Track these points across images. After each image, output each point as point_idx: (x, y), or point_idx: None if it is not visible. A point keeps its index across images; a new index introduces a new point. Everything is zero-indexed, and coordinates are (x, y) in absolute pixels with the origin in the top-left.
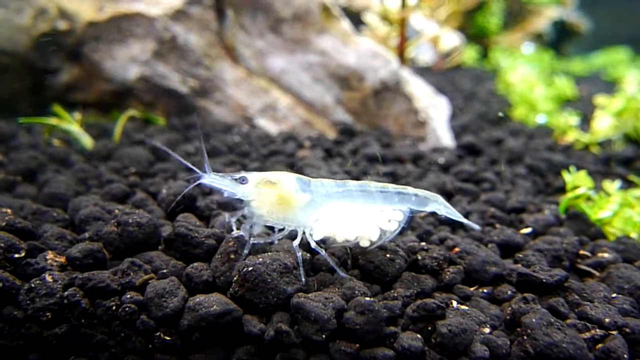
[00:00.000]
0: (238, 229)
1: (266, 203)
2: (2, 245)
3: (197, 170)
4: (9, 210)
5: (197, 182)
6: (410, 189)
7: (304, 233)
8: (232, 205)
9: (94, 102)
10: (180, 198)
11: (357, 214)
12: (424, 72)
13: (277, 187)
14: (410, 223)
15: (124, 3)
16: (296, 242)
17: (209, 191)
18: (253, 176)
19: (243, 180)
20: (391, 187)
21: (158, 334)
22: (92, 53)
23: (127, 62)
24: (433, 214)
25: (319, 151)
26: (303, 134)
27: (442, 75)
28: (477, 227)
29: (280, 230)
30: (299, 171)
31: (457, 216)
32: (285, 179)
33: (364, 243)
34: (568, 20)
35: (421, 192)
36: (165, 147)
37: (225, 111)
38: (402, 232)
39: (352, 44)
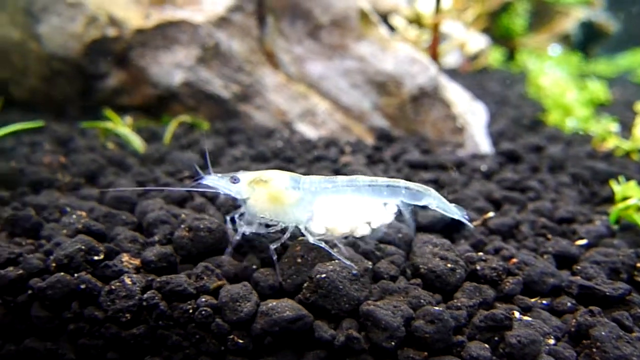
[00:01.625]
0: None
1: (259, 201)
2: (83, 247)
3: (200, 172)
4: (83, 213)
5: (197, 182)
6: (401, 182)
7: (298, 228)
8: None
9: (138, 106)
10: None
11: (348, 207)
12: (450, 75)
13: (268, 186)
14: (462, 232)
15: (169, 10)
16: (274, 245)
17: None
18: (245, 175)
19: (235, 180)
20: (380, 180)
21: (231, 336)
22: (138, 59)
23: (172, 67)
24: (425, 207)
25: (361, 157)
26: (341, 139)
27: (470, 78)
28: (471, 225)
29: (274, 226)
30: None
31: (451, 212)
32: (277, 177)
33: (360, 232)
34: (596, 21)
35: (413, 185)
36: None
37: (265, 116)
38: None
39: (390, 50)
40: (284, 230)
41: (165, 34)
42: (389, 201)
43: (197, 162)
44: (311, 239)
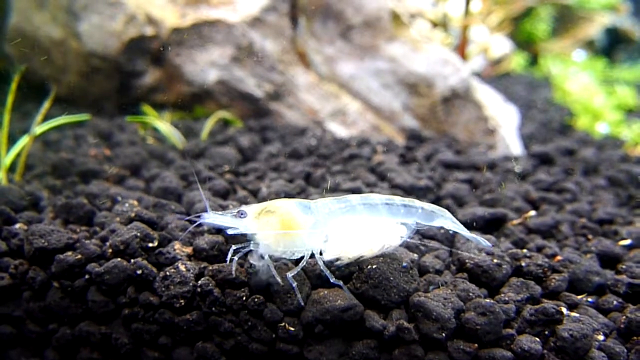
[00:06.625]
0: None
1: (271, 232)
2: (138, 234)
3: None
4: (135, 202)
5: (198, 222)
6: (417, 202)
7: (312, 256)
8: None
9: (173, 104)
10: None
11: (362, 228)
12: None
13: (277, 215)
14: (502, 230)
15: (204, 10)
16: (291, 274)
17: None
18: (251, 208)
19: (242, 214)
20: (397, 199)
21: (283, 324)
22: (174, 57)
23: (207, 66)
24: (440, 228)
25: (394, 156)
26: (372, 138)
27: (494, 83)
28: (489, 244)
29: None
30: (382, 176)
31: (466, 233)
32: (285, 205)
33: (369, 254)
34: (622, 27)
35: (428, 206)
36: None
37: (297, 115)
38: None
39: (421, 51)
40: (298, 260)
41: (200, 33)
42: (404, 221)
43: (235, 157)
44: (322, 266)
